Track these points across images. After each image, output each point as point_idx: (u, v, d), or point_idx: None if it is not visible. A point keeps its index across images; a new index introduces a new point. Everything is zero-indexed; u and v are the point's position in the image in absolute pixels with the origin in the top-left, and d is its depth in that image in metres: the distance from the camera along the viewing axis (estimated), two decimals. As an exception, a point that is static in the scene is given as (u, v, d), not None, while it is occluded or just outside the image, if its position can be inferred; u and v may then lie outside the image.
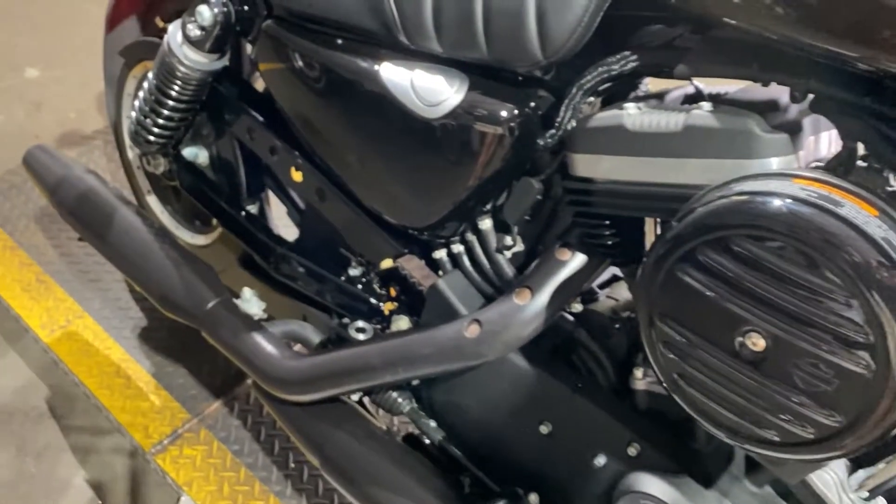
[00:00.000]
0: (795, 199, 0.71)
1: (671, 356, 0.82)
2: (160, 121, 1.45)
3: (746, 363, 0.76)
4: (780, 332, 0.73)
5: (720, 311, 0.76)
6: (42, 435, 1.74)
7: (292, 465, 1.63)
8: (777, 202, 0.71)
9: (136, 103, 1.48)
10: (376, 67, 1.10)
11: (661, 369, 0.84)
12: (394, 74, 1.09)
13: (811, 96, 0.83)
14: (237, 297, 1.38)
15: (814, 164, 0.85)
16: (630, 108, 0.91)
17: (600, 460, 1.03)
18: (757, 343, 0.75)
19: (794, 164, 0.83)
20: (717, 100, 0.91)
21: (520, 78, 1.05)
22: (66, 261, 2.09)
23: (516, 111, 1.02)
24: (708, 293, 0.76)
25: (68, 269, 2.06)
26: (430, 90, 1.06)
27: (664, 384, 0.85)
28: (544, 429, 1.08)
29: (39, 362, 1.87)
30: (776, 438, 0.77)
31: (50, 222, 2.17)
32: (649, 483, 0.97)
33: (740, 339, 0.76)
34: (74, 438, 1.72)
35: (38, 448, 1.71)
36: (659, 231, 0.94)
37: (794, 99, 0.84)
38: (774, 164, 0.82)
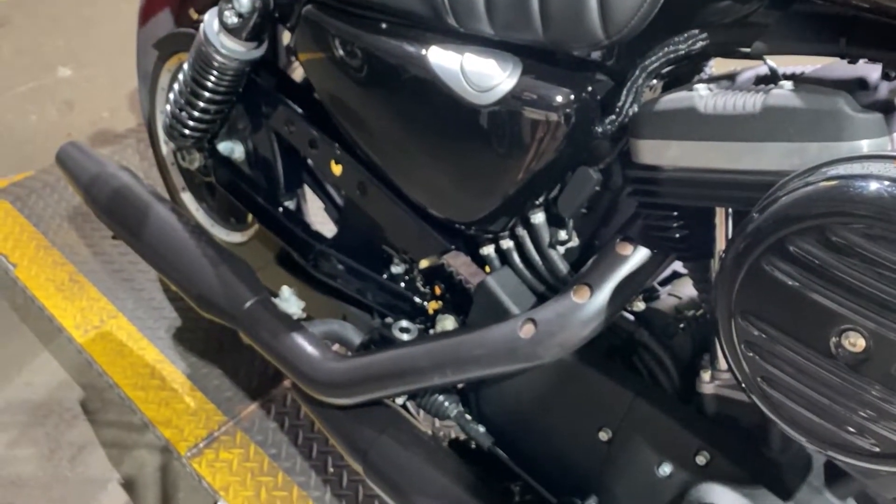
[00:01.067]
0: (903, 182, 0.64)
1: (754, 357, 0.75)
2: (196, 113, 1.40)
3: (843, 365, 0.69)
4: (883, 329, 0.66)
5: (813, 308, 0.69)
6: (76, 437, 1.71)
7: (331, 469, 1.59)
8: (882, 186, 0.64)
9: (171, 96, 1.44)
10: (423, 52, 1.04)
11: (741, 371, 0.77)
12: (442, 59, 1.03)
13: (905, 73, 0.76)
14: (275, 296, 1.33)
15: (909, 148, 0.78)
16: (701, 89, 0.84)
17: (666, 469, 0.97)
18: (856, 343, 0.68)
19: (888, 147, 0.76)
20: (797, 79, 0.85)
21: (576, 61, 0.99)
22: (99, 260, 2.06)
23: (573, 96, 0.96)
24: (799, 288, 0.69)
25: (102, 269, 2.04)
26: (481, 75, 1.00)
27: (744, 387, 0.78)
28: (604, 435, 1.02)
29: (73, 363, 1.85)
30: (875, 448, 0.70)
31: (83, 221, 2.15)
32: (721, 495, 0.91)
33: (836, 338, 0.69)
34: (109, 441, 1.70)
35: (73, 450, 1.69)
36: (730, 222, 0.87)
37: (886, 76, 0.77)
38: (865, 146, 0.75)
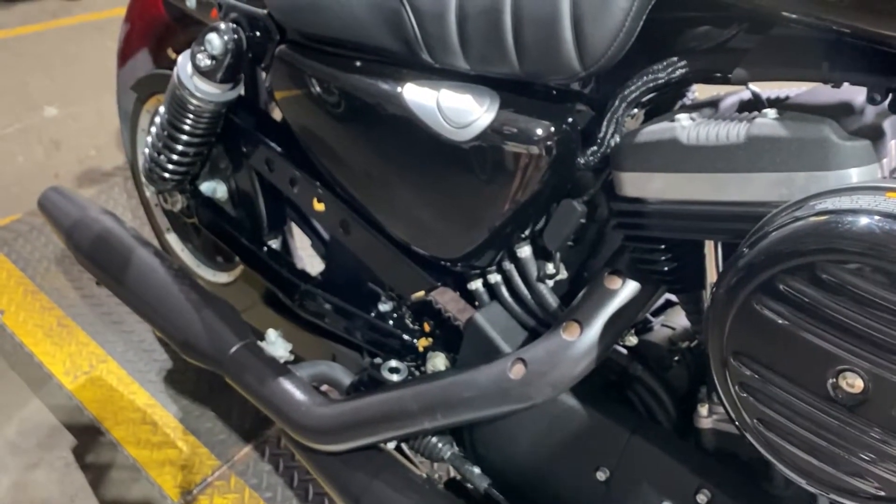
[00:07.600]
0: (893, 216, 0.61)
1: (749, 398, 0.72)
2: (174, 156, 1.38)
3: (842, 407, 0.66)
4: (881, 370, 0.63)
5: (808, 348, 0.66)
6: (68, 486, 1.67)
7: (328, 512, 1.55)
8: (871, 221, 0.62)
9: (149, 139, 1.42)
10: (399, 89, 1.02)
11: (736, 413, 0.74)
12: (418, 96, 1.01)
13: (891, 96, 0.74)
14: (262, 338, 1.30)
15: (899, 173, 0.75)
16: (683, 119, 0.82)
17: (666, 509, 0.94)
18: (853, 384, 0.65)
19: (878, 174, 0.73)
20: (781, 105, 0.82)
21: (555, 92, 0.97)
22: (87, 303, 2.04)
23: (553, 129, 0.94)
24: (792, 328, 0.66)
25: (90, 312, 2.01)
26: (458, 110, 0.98)
27: (740, 429, 0.75)
28: (601, 475, 0.99)
29: (64, 409, 1.81)
30: (880, 492, 0.67)
31: (71, 264, 2.13)
32: (724, 535, 0.88)
33: (833, 379, 0.66)
34: (101, 489, 1.66)
35: (65, 500, 1.65)
36: (720, 254, 0.85)
37: (871, 100, 0.75)
38: (854, 175, 0.73)
